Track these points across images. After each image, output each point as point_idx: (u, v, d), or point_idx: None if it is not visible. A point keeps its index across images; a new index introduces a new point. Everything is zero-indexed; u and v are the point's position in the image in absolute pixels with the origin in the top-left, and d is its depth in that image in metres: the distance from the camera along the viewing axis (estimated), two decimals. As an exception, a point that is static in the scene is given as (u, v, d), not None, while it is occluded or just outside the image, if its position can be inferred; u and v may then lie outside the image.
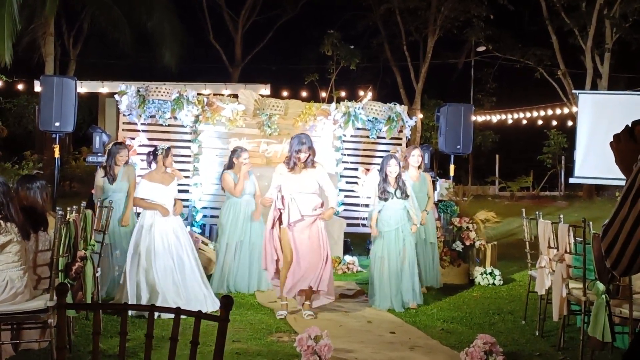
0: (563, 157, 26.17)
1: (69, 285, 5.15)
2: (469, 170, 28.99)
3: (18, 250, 4.95)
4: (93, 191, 8.86)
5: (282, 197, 7.35)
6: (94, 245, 6.29)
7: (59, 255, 5.01)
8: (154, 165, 7.73)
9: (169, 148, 7.70)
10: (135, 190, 7.86)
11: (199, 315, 2.38)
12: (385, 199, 8.00)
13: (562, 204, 21.82)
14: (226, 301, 2.37)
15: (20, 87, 21.50)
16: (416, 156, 8.83)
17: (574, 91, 20.41)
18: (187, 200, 10.54)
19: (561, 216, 6.72)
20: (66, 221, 5.07)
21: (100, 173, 8.58)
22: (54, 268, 5.02)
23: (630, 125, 2.03)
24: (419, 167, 8.87)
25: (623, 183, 1.92)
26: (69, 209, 7.53)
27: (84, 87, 17.31)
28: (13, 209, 4.97)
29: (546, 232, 6.71)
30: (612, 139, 2.01)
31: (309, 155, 7.40)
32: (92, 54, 26.17)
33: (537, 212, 7.27)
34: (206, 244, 9.97)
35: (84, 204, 7.71)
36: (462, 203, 10.28)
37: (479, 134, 26.32)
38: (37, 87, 17.70)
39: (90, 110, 22.30)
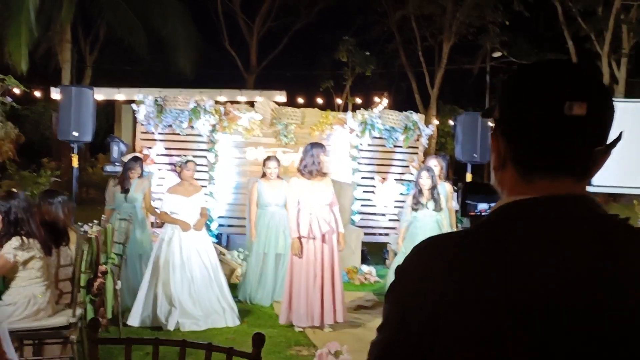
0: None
1: (92, 300, 5.17)
2: (484, 175, 28.85)
3: (40, 267, 4.99)
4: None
5: (300, 216, 7.21)
6: (114, 259, 6.32)
7: (81, 272, 5.04)
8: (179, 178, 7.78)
9: (187, 161, 7.71)
10: (162, 203, 7.83)
11: (230, 352, 2.35)
12: (417, 210, 7.99)
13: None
14: (258, 338, 2.35)
15: (37, 94, 21.67)
16: (433, 166, 8.79)
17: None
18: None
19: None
20: (88, 238, 5.08)
21: (112, 182, 8.61)
22: (76, 284, 5.04)
23: None
24: (439, 177, 8.83)
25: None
26: (89, 225, 7.58)
27: (100, 95, 17.39)
28: (34, 225, 5.00)
29: None
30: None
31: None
32: (108, 60, 26.33)
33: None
34: (223, 254, 9.99)
35: (104, 217, 7.76)
36: (479, 214, 10.22)
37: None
38: (54, 94, 17.89)
39: (107, 117, 22.43)
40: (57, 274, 5.38)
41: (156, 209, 8.61)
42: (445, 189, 8.89)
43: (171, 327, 7.11)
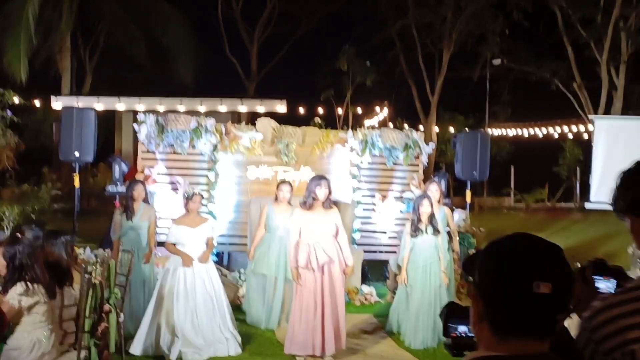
0: (578, 168, 26.07)
1: (95, 344, 5.21)
2: (484, 182, 28.91)
3: (45, 311, 5.03)
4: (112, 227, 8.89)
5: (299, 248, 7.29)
6: (117, 294, 6.36)
7: (86, 317, 5.08)
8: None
9: (194, 194, 7.73)
10: (168, 234, 7.84)
11: None
12: (416, 236, 8.07)
13: (578, 217, 21.76)
14: None
15: (37, 102, 21.72)
16: (434, 191, 8.86)
17: (590, 116, 20.37)
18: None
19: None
20: (92, 283, 5.13)
21: (118, 211, 8.62)
22: (80, 329, 5.09)
23: (584, 266, 2.08)
24: (438, 201, 8.90)
25: None
26: (90, 255, 7.63)
27: (100, 104, 17.45)
28: (39, 270, 5.05)
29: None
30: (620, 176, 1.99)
31: (329, 194, 7.39)
32: (108, 67, 26.34)
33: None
34: (225, 275, 10.04)
35: (103, 251, 7.78)
36: (479, 235, 10.29)
37: (494, 145, 26.25)
38: (54, 104, 17.95)
39: (107, 123, 22.45)
40: (62, 314, 5.41)
41: (157, 239, 8.68)
42: (444, 212, 8.98)
43: (173, 357, 7.15)
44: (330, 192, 7.39)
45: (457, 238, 9.26)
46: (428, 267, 8.02)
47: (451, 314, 1.85)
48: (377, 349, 7.85)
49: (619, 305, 1.86)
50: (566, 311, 1.59)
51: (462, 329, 1.83)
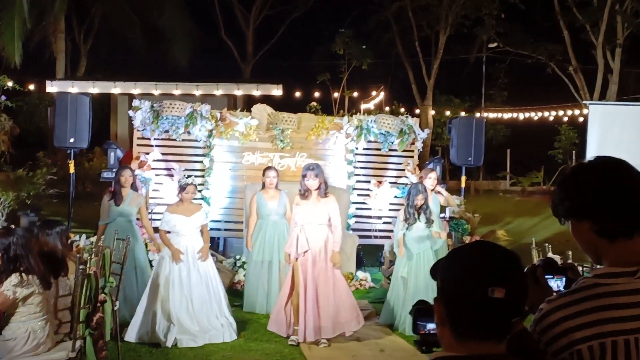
0: (574, 152, 26.11)
1: (90, 334, 5.25)
2: (480, 165, 28.96)
3: (40, 302, 5.06)
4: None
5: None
6: (112, 282, 6.40)
7: (81, 307, 5.11)
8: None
9: (187, 184, 7.75)
10: (162, 222, 7.86)
11: None
12: (410, 224, 8.12)
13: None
14: None
15: (31, 86, 21.62)
16: (432, 179, 8.92)
17: (584, 102, 20.35)
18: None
19: (570, 253, 6.76)
20: (87, 274, 5.15)
21: (106, 196, 8.59)
22: (75, 319, 5.12)
23: (534, 266, 2.13)
24: (432, 190, 8.95)
25: None
26: (86, 242, 7.65)
27: (96, 88, 17.38)
28: (33, 260, 5.06)
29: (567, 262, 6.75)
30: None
31: (320, 183, 7.45)
32: (103, 49, 26.21)
33: (545, 245, 7.32)
34: (221, 262, 10.08)
35: (99, 241, 7.79)
36: (472, 220, 10.33)
37: (490, 128, 26.28)
38: (49, 87, 17.88)
39: (102, 106, 22.37)
40: (56, 304, 5.45)
41: (153, 226, 8.71)
42: (437, 199, 9.02)
43: (169, 344, 7.20)
44: (321, 180, 7.46)
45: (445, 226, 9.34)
46: (421, 255, 8.08)
47: (420, 312, 1.93)
48: (372, 335, 7.89)
49: (565, 307, 1.92)
50: (520, 315, 1.70)
51: (431, 326, 1.90)
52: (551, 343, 1.92)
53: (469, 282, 1.67)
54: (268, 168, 9.26)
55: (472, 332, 1.68)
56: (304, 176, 7.43)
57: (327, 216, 7.44)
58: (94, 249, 6.76)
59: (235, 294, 9.60)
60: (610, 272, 1.96)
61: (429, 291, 8.01)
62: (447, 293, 1.72)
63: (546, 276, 2.12)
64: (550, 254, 7.05)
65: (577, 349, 1.89)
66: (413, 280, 8.06)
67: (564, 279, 2.13)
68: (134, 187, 8.71)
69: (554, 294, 2.06)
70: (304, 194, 7.45)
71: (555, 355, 1.92)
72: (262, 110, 11.24)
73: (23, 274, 4.96)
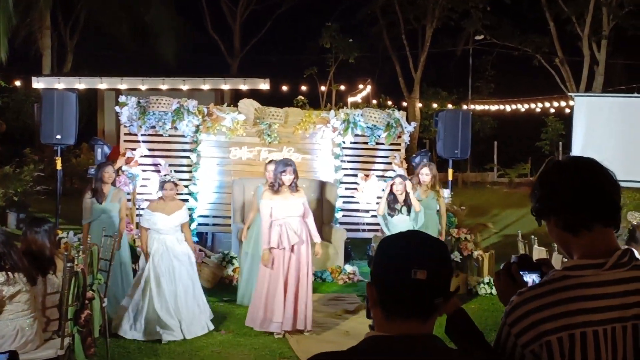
0: (560, 143, 26.23)
1: (79, 331, 5.27)
2: (467, 157, 29.04)
3: (27, 299, 5.07)
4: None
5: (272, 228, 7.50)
6: (100, 279, 6.41)
7: (69, 305, 5.13)
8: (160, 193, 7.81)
9: (165, 182, 7.73)
10: (142, 219, 7.87)
11: None
12: (392, 215, 8.18)
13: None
14: None
15: (17, 82, 21.51)
16: (424, 174, 8.84)
17: (570, 94, 20.45)
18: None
19: (555, 246, 6.83)
20: (74, 272, 5.17)
21: (87, 195, 8.41)
22: (63, 317, 5.14)
23: (510, 263, 2.21)
24: (432, 186, 8.89)
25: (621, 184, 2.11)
26: (73, 239, 7.65)
27: (82, 84, 17.31)
28: (16, 257, 5.07)
29: (541, 257, 6.82)
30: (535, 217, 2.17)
31: (294, 179, 7.55)
32: (89, 45, 26.07)
33: (532, 237, 7.38)
34: (209, 257, 10.10)
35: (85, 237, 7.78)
36: (459, 213, 10.39)
37: (477, 120, 26.36)
38: (35, 83, 17.79)
39: (89, 102, 22.28)
40: (44, 301, 5.45)
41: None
42: (433, 195, 8.95)
43: (157, 337, 7.22)
44: (296, 177, 7.57)
45: (445, 217, 9.34)
46: None
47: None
48: (359, 328, 7.91)
49: (534, 299, 1.98)
50: (443, 296, 1.83)
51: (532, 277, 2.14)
52: (521, 335, 1.96)
53: (395, 264, 1.83)
54: (270, 162, 9.23)
55: (399, 310, 1.82)
56: (282, 172, 7.50)
57: (302, 209, 7.55)
58: (81, 247, 6.76)
59: (224, 288, 9.64)
60: (578, 265, 2.01)
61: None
62: (378, 275, 1.87)
63: (521, 272, 2.18)
64: (536, 246, 7.13)
65: (546, 341, 1.93)
66: None
67: (539, 273, 2.18)
68: (113, 183, 8.67)
69: None
70: (277, 189, 7.53)
71: (525, 347, 1.96)
72: (248, 105, 11.25)
73: (9, 272, 4.97)
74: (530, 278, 2.16)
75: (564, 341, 1.92)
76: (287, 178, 7.48)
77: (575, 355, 1.92)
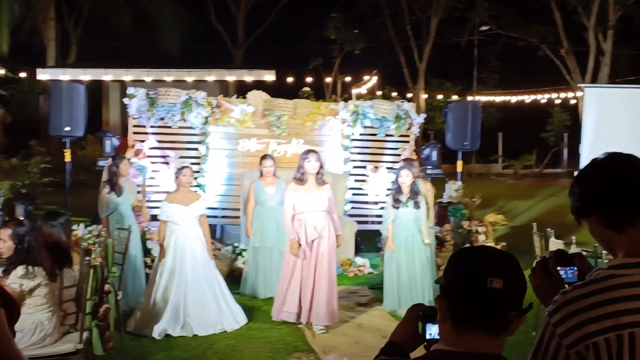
0: (566, 134, 26.17)
1: (97, 325, 5.24)
2: (472, 159, 28.98)
3: (46, 293, 5.03)
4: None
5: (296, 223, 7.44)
6: (115, 272, 6.39)
7: (87, 299, 5.10)
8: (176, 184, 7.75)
9: (183, 167, 7.71)
10: (160, 211, 7.80)
11: None
12: (397, 208, 8.15)
13: (566, 183, 21.88)
14: None
15: (22, 74, 21.45)
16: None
17: (579, 85, 20.37)
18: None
19: (573, 238, 6.80)
20: (93, 265, 5.14)
21: (106, 189, 8.43)
22: (82, 310, 5.11)
23: (545, 259, 2.19)
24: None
25: None
26: (84, 231, 7.62)
27: (87, 75, 17.25)
28: (42, 253, 5.04)
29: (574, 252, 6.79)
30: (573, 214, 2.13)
31: (319, 168, 7.42)
32: (93, 36, 25.99)
33: (548, 229, 7.33)
34: (219, 249, 10.06)
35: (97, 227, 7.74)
36: (471, 205, 10.35)
37: (482, 111, 26.24)
38: (40, 75, 17.74)
39: (94, 94, 22.24)
40: (61, 295, 5.42)
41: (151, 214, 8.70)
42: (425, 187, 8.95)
43: (172, 333, 7.19)
44: (321, 166, 7.43)
45: (433, 211, 9.26)
46: (410, 239, 8.15)
47: (425, 317, 2.06)
48: (373, 321, 7.90)
49: (580, 299, 1.94)
50: (517, 310, 1.78)
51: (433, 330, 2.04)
52: (566, 335, 1.93)
53: (469, 273, 1.80)
54: (264, 157, 9.25)
55: (470, 322, 1.78)
56: (304, 158, 7.35)
57: (326, 203, 7.42)
58: (99, 240, 6.72)
59: (234, 281, 9.60)
60: (625, 263, 1.98)
61: (424, 275, 8.10)
62: (451, 286, 1.83)
63: (557, 267, 2.16)
64: (552, 239, 7.08)
65: (593, 342, 1.89)
66: (405, 264, 8.13)
67: (574, 268, 2.17)
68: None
69: (566, 285, 2.08)
70: (301, 178, 7.38)
71: (570, 347, 1.92)
72: (257, 97, 11.20)
73: (29, 266, 4.94)
74: (566, 273, 2.16)
75: (611, 342, 1.89)
76: (310, 165, 7.30)
77: (623, 356, 1.89)
